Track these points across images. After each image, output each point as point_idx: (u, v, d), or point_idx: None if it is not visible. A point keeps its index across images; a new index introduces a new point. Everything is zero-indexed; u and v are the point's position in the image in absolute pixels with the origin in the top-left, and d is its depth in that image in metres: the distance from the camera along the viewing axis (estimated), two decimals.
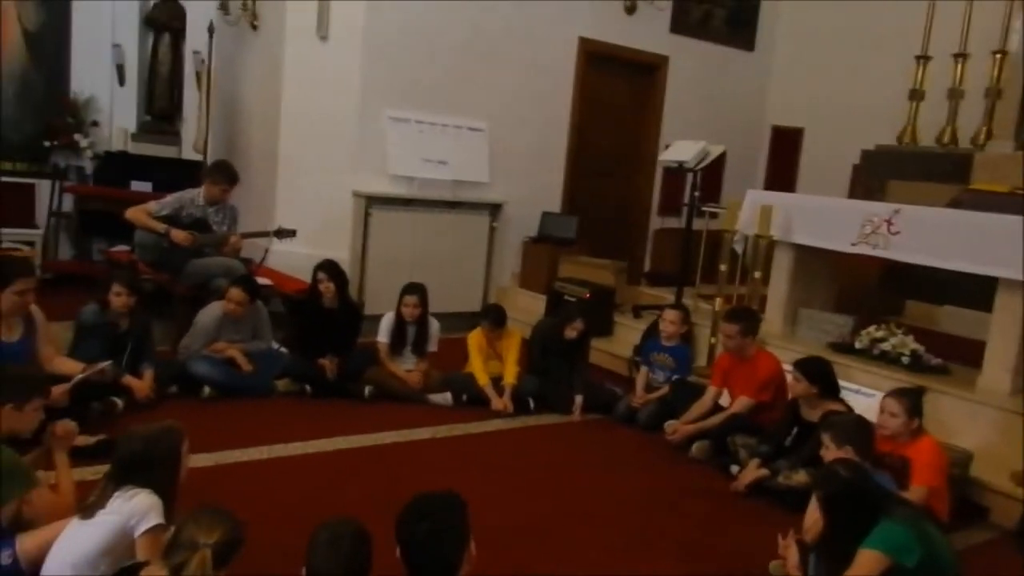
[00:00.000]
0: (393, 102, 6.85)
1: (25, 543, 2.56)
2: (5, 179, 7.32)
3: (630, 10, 8.13)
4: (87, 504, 2.45)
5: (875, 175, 7.35)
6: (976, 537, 3.85)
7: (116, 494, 2.41)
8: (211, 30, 7.09)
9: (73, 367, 3.97)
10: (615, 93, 8.33)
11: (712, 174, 8.34)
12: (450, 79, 7.10)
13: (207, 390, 4.74)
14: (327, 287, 5.14)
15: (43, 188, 7.47)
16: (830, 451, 3.27)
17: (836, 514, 2.71)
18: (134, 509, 2.38)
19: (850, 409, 4.04)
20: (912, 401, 3.67)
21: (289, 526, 2.06)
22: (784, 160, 9.13)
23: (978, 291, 4.95)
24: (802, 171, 9.02)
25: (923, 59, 7.20)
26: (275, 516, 3.24)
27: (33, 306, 3.98)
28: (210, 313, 4.93)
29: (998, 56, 6.80)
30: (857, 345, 5.20)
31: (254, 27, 7.10)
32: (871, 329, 5.21)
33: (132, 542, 2.35)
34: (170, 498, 2.46)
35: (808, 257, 5.75)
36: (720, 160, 8.51)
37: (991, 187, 5.60)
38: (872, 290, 6.46)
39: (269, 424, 4.43)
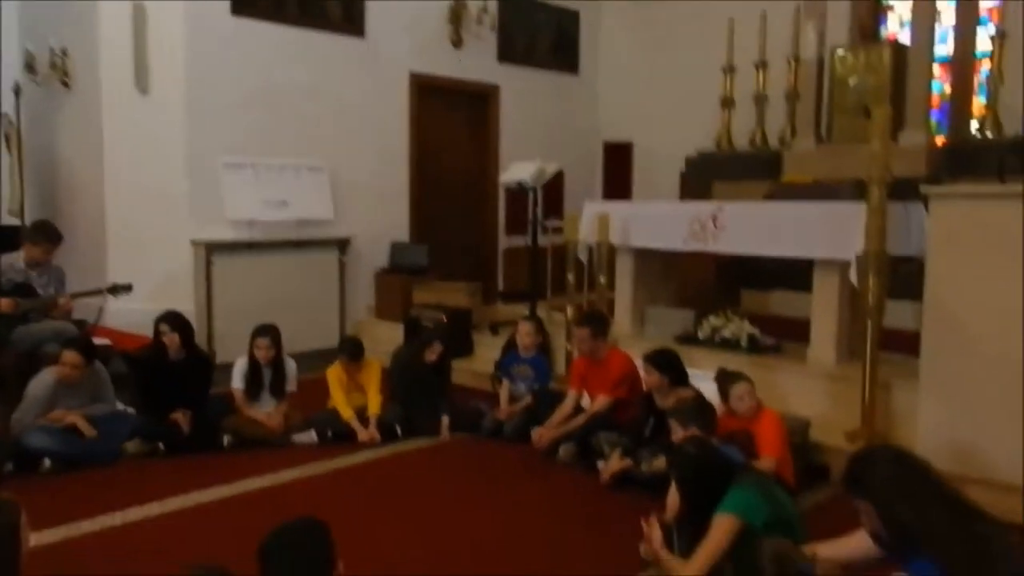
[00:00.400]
0: (226, 147, 6.72)
1: None
2: None
3: (456, 43, 8.35)
4: None
5: (700, 178, 7.90)
6: (821, 496, 4.15)
7: None
8: (17, 91, 6.70)
9: None
10: (451, 123, 8.52)
11: (553, 191, 8.67)
12: (283, 120, 7.06)
13: (47, 463, 4.40)
14: (171, 339, 4.92)
15: None
16: (678, 434, 3.47)
17: (690, 488, 2.89)
18: None
19: (699, 394, 4.27)
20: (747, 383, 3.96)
21: None
22: (618, 172, 9.60)
23: (802, 274, 5.39)
24: (636, 181, 9.52)
25: (728, 70, 7.82)
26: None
27: None
28: (43, 381, 4.60)
29: (793, 63, 7.49)
30: (700, 335, 5.53)
31: (66, 85, 6.78)
32: (711, 319, 5.56)
33: None
34: None
35: (648, 259, 6.07)
36: (559, 177, 8.86)
37: (798, 179, 6.12)
38: (710, 284, 6.89)
39: (120, 489, 4.17)
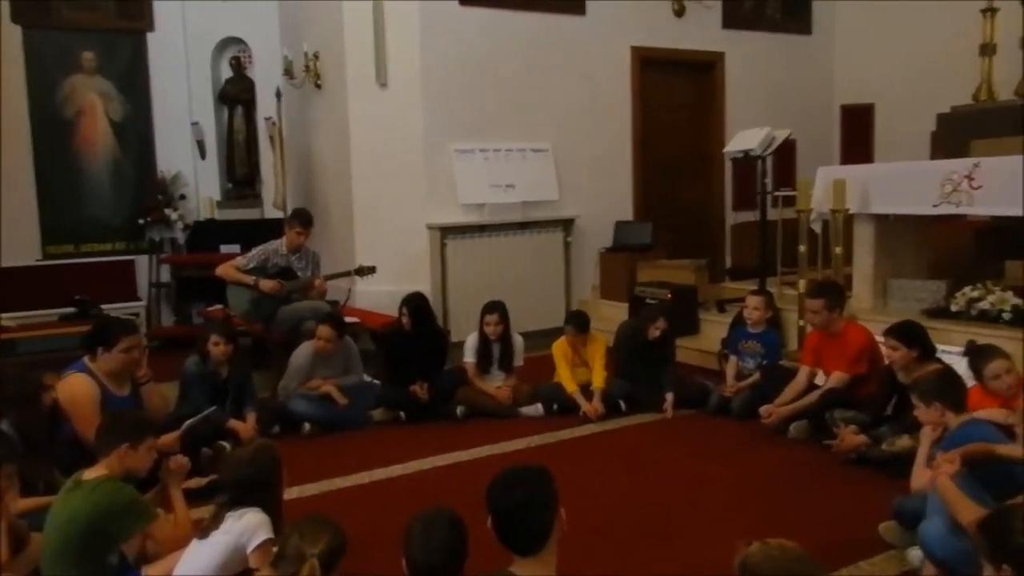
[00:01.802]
0: (456, 135, 7.04)
1: (149, 572, 2.74)
2: (107, 259, 7.87)
3: (679, 12, 8.14)
4: (203, 527, 2.60)
5: (955, 137, 7.08)
6: None
7: (227, 515, 2.56)
8: (279, 95, 7.46)
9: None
10: (675, 95, 8.33)
11: (784, 162, 8.21)
12: (509, 105, 7.25)
13: (307, 427, 4.94)
14: (408, 320, 5.29)
15: (141, 263, 7.99)
16: (921, 411, 3.16)
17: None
18: (244, 527, 2.52)
19: (948, 368, 3.87)
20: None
21: (396, 537, 2.16)
22: (858, 138, 8.90)
23: None
24: (878, 146, 8.77)
25: (989, 11, 6.95)
26: (381, 531, 3.34)
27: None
28: (303, 353, 5.14)
29: None
30: (953, 308, 5.01)
31: (318, 86, 7.43)
32: (966, 290, 5.02)
33: (245, 557, 2.49)
34: (276, 513, 2.60)
35: (892, 227, 5.58)
36: (791, 147, 8.39)
37: None
38: (967, 253, 6.21)
39: (368, 452, 4.58)
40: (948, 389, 3.12)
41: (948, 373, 3.28)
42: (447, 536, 2.06)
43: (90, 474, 2.80)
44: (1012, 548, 1.72)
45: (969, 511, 2.47)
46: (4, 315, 7.09)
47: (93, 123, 7.91)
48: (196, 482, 3.68)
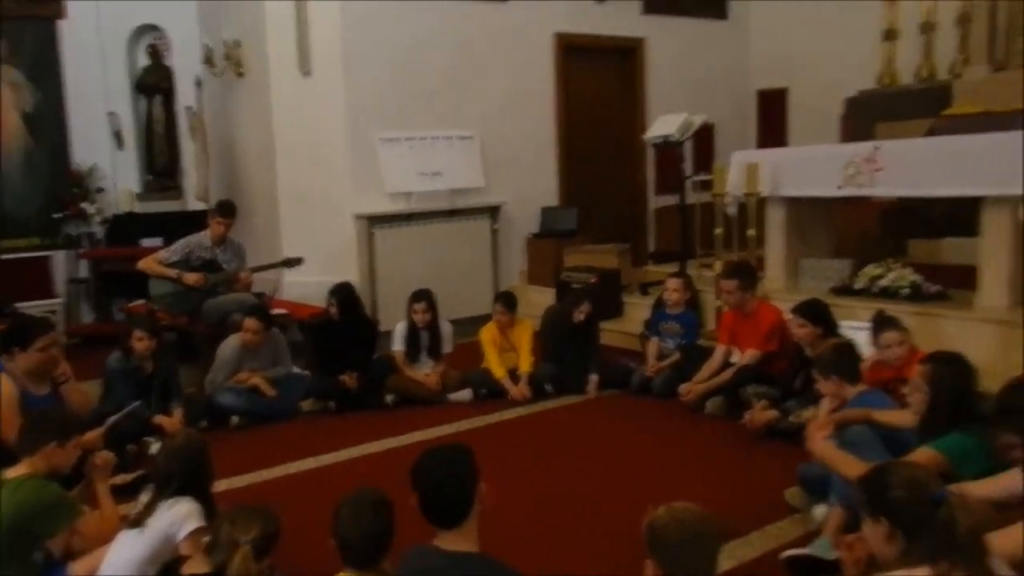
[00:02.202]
0: (381, 123, 7.04)
1: (76, 569, 2.75)
2: (21, 255, 7.61)
3: None
4: (134, 518, 2.62)
5: (862, 121, 7.42)
6: None
7: (159, 505, 2.59)
8: (199, 84, 7.34)
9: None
10: (597, 81, 8.47)
11: (703, 146, 8.48)
12: (433, 93, 7.28)
13: (235, 419, 4.93)
14: (335, 309, 5.32)
15: (58, 258, 7.74)
16: (820, 383, 3.38)
17: (938, 396, 2.84)
18: (175, 516, 2.56)
19: (847, 343, 4.10)
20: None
21: (327, 523, 2.23)
22: (773, 121, 9.20)
23: (976, 219, 5.01)
24: (791, 130, 9.08)
25: None
26: (313, 518, 3.39)
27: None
28: (230, 345, 5.13)
29: None
30: (856, 286, 5.29)
31: (240, 75, 7.32)
32: (869, 268, 5.30)
33: (175, 547, 2.52)
34: (207, 502, 2.64)
35: (802, 209, 5.84)
36: (709, 131, 8.65)
37: (964, 110, 5.66)
38: (873, 233, 6.53)
39: (298, 442, 4.61)
40: (844, 363, 3.34)
41: (844, 347, 3.50)
42: (374, 515, 2.14)
43: (13, 472, 2.79)
44: (888, 501, 1.89)
45: (851, 467, 2.66)
46: None
47: (3, 115, 7.62)
48: (122, 478, 3.69)
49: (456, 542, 2.02)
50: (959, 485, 2.47)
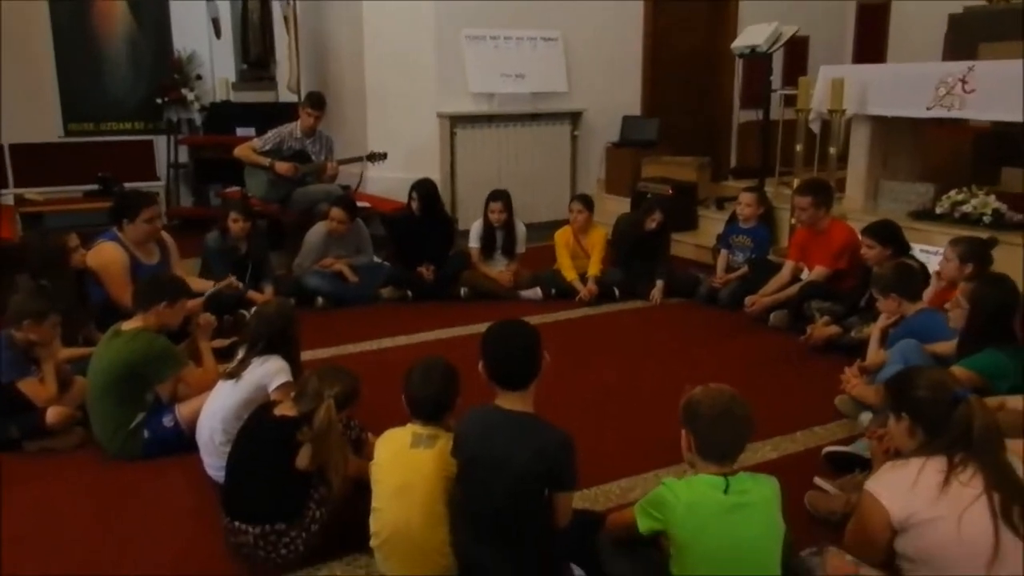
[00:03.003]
0: (468, 20, 7.08)
1: (182, 410, 3.14)
2: (126, 138, 8.07)
3: None
4: (231, 370, 2.96)
5: (965, 40, 7.07)
6: None
7: (252, 361, 2.92)
8: None
9: (204, 285, 4.54)
10: None
11: (796, 60, 8.24)
12: None
13: (320, 301, 5.29)
14: (418, 204, 5.56)
15: (160, 143, 8.17)
16: (880, 301, 3.45)
17: (978, 313, 2.94)
18: (267, 370, 2.89)
19: (922, 266, 4.13)
20: (967, 248, 3.74)
21: (399, 390, 2.51)
22: (872, 37, 8.85)
23: None
24: (892, 46, 8.72)
25: None
26: (387, 386, 3.70)
27: (165, 234, 4.55)
28: (316, 233, 5.44)
29: None
30: (938, 210, 5.23)
31: None
32: (951, 193, 5.22)
33: (267, 396, 2.85)
34: (294, 362, 2.95)
35: (888, 129, 5.72)
36: (803, 44, 8.40)
37: None
38: (965, 159, 6.34)
39: (377, 324, 4.93)
40: (904, 282, 3.40)
41: (905, 267, 3.55)
42: (440, 376, 2.39)
43: (128, 325, 3.15)
44: (911, 400, 2.02)
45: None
46: (30, 190, 7.39)
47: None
48: (219, 343, 4.05)
49: (515, 403, 2.25)
50: (999, 398, 2.58)
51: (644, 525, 2.02)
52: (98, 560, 2.59)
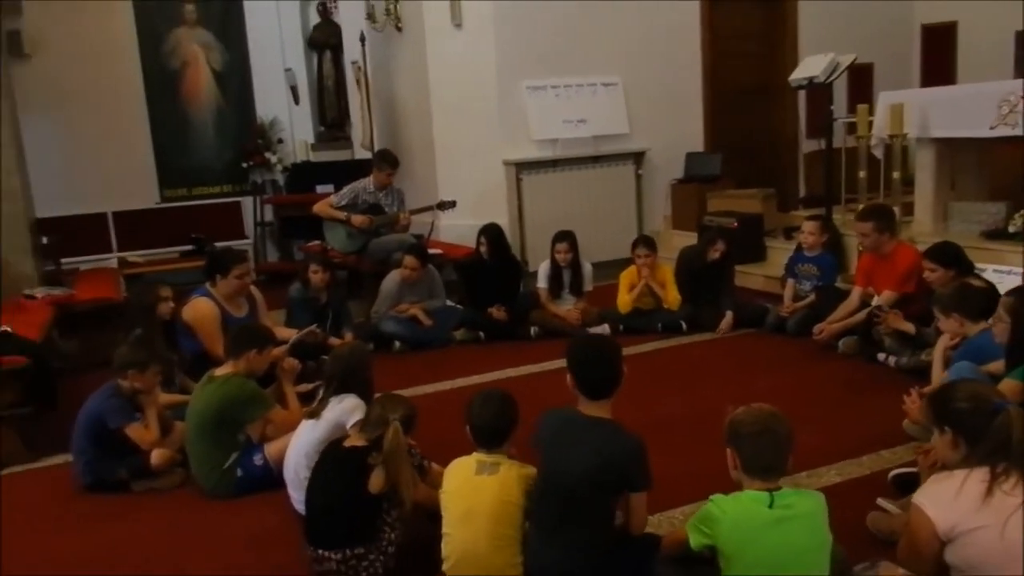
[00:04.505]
0: (528, 72, 7.37)
1: (270, 449, 3.39)
2: (216, 201, 8.63)
3: None
4: (311, 410, 3.20)
5: None
6: None
7: (330, 401, 3.14)
8: (363, 39, 7.92)
9: (289, 333, 4.83)
10: (745, 22, 8.36)
11: (861, 87, 8.22)
12: (578, 40, 7.50)
13: (397, 345, 5.54)
14: (486, 248, 5.78)
15: (247, 204, 8.69)
16: (942, 321, 3.46)
17: (1019, 326, 2.97)
18: (344, 408, 3.11)
19: (989, 285, 4.09)
20: None
21: None
22: (939, 59, 8.75)
23: None
24: (961, 67, 8.60)
25: None
26: (461, 420, 3.89)
27: (253, 288, 4.88)
28: (392, 280, 5.72)
29: None
30: (1010, 229, 5.15)
31: (399, 29, 7.84)
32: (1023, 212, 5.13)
33: (345, 434, 3.05)
34: (368, 399, 3.16)
35: (954, 151, 5.68)
36: (867, 71, 8.39)
37: None
38: None
39: (451, 365, 5.15)
40: (965, 301, 3.40)
41: (965, 287, 3.56)
42: (499, 406, 2.57)
43: (220, 372, 3.44)
44: (952, 413, 2.08)
45: None
46: (131, 253, 7.96)
47: (197, 73, 8.56)
48: (304, 387, 4.30)
49: (595, 410, 2.46)
50: None
51: (695, 540, 2.12)
52: None
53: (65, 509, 3.48)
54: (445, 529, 2.53)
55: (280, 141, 8.74)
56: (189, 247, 8.00)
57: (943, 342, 3.50)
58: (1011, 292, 3.12)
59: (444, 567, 2.53)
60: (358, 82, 8.23)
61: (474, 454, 2.58)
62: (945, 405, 2.11)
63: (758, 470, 2.08)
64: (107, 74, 8.04)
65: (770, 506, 2.02)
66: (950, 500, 1.96)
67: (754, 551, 2.00)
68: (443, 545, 2.53)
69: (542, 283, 5.85)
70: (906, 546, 2.12)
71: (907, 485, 3.02)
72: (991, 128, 5.05)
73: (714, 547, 2.08)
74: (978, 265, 4.69)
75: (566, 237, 5.77)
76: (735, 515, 2.04)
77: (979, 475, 1.95)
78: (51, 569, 3.02)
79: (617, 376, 2.50)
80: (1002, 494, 1.90)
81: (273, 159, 8.61)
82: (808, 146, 8.68)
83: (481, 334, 5.70)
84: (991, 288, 3.94)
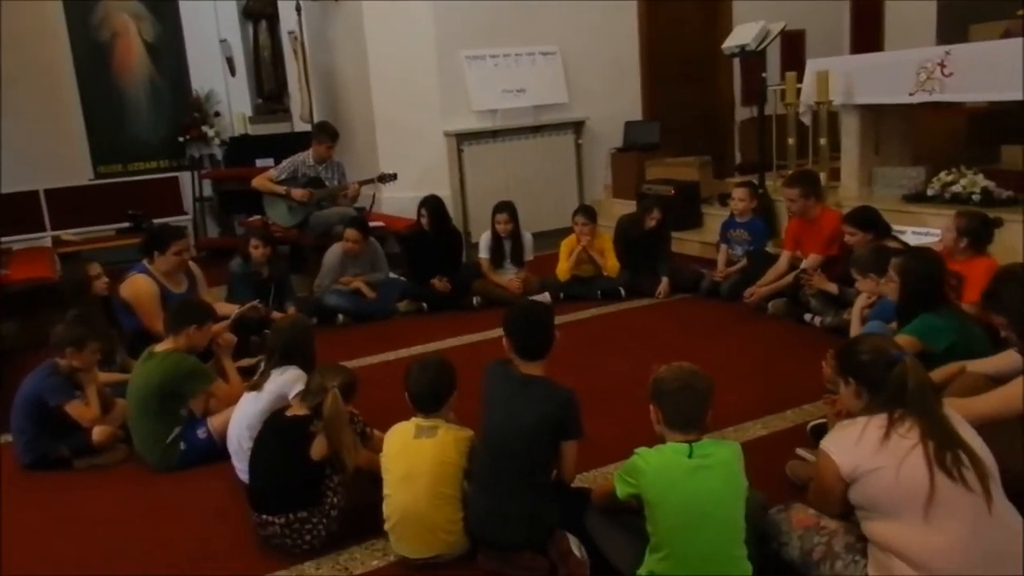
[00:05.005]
0: (467, 42, 7.37)
1: (213, 422, 3.44)
2: (153, 176, 8.47)
3: None
4: (253, 383, 3.25)
5: (956, 23, 7.25)
6: None
7: (272, 373, 3.19)
8: (298, 9, 7.81)
9: (230, 309, 4.82)
10: None
11: (794, 55, 8.39)
12: (516, 10, 7.50)
13: (341, 318, 5.58)
14: (427, 219, 5.83)
15: (184, 179, 8.54)
16: (859, 281, 3.65)
17: (907, 285, 3.18)
18: (285, 380, 3.16)
19: (905, 246, 4.30)
20: (968, 222, 3.91)
21: None
22: (868, 28, 8.98)
23: None
24: (888, 35, 8.85)
25: None
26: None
27: (192, 264, 4.86)
28: (333, 253, 5.73)
29: None
30: (929, 192, 5.38)
31: None
32: (941, 175, 5.37)
33: (287, 405, 3.11)
34: (310, 371, 3.21)
35: (879, 117, 5.88)
36: (800, 39, 8.58)
37: None
38: (960, 140, 6.47)
39: (394, 336, 5.21)
40: (879, 263, 3.58)
41: (880, 249, 3.75)
42: (436, 372, 2.66)
43: (160, 348, 3.45)
44: (855, 364, 2.24)
45: None
46: (66, 231, 7.80)
47: (128, 45, 8.34)
48: (247, 362, 4.34)
49: (531, 370, 2.62)
50: (959, 363, 2.78)
51: (621, 490, 2.25)
52: (145, 557, 2.88)
53: (9, 488, 3.48)
54: (386, 491, 2.62)
55: (217, 114, 8.60)
56: (126, 224, 7.86)
57: (860, 302, 3.70)
58: (901, 252, 3.33)
59: (386, 526, 2.63)
60: (295, 53, 8.12)
61: (413, 419, 2.67)
62: (850, 358, 2.26)
63: (679, 424, 2.21)
64: (33, 47, 7.80)
65: (689, 456, 2.15)
66: (852, 444, 2.11)
67: (675, 497, 2.13)
68: (384, 506, 2.62)
69: (483, 254, 5.93)
70: (815, 488, 2.28)
71: (823, 435, 3.20)
72: (910, 95, 5.25)
73: (639, 496, 2.20)
74: (899, 227, 4.93)
75: (506, 208, 5.85)
76: (657, 465, 2.17)
77: (878, 421, 2.11)
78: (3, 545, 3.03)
79: (550, 339, 2.65)
80: (898, 437, 2.06)
81: (210, 133, 8.48)
82: (743, 113, 8.86)
83: (424, 305, 5.77)
84: (906, 249, 4.16)
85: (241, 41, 8.77)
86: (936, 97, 5.12)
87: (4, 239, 7.08)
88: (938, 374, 2.74)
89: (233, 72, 8.73)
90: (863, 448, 2.09)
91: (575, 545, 2.46)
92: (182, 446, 3.42)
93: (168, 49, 8.46)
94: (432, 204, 5.89)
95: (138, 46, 8.40)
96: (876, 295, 3.65)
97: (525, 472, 2.50)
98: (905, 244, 4.38)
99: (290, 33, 8.31)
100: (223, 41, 8.64)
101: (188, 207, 8.52)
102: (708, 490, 2.13)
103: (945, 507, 1.98)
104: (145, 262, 4.62)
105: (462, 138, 7.32)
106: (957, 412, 2.15)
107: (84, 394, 3.56)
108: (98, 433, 3.49)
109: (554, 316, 2.77)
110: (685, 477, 2.14)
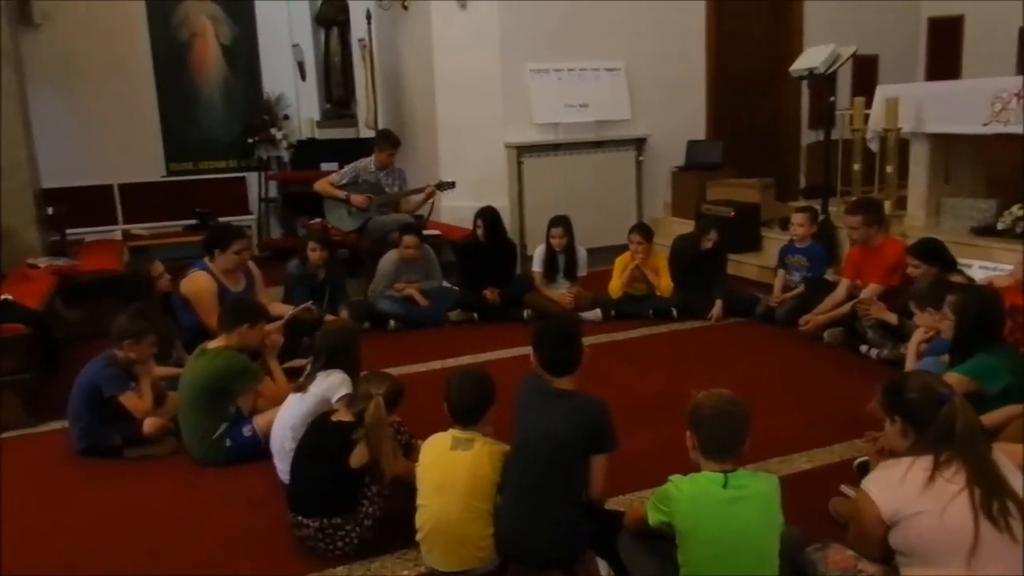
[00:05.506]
0: (532, 55, 7.40)
1: (259, 421, 3.51)
2: (221, 176, 8.71)
3: None
4: (299, 384, 3.31)
5: None
6: None
7: (318, 376, 3.25)
8: (369, 17, 7.97)
9: (285, 309, 4.93)
10: (750, 9, 8.34)
11: (865, 79, 8.20)
12: (582, 24, 7.51)
13: (393, 323, 5.65)
14: (483, 231, 5.87)
15: (251, 179, 8.78)
16: (917, 315, 3.54)
17: (963, 322, 3.07)
18: (330, 383, 3.21)
19: (970, 281, 4.17)
20: None
21: None
22: (945, 52, 8.72)
23: None
24: (966, 60, 8.58)
25: None
26: None
27: (251, 263, 4.98)
28: (389, 260, 5.81)
29: None
30: (999, 226, 5.19)
31: (405, 7, 7.88)
32: (1014, 209, 5.18)
33: (330, 407, 3.16)
34: (355, 376, 3.26)
35: (949, 146, 5.71)
36: (872, 63, 8.39)
37: None
38: None
39: (444, 345, 5.25)
40: (939, 296, 3.46)
41: (941, 283, 3.63)
42: (475, 384, 2.67)
43: (212, 345, 3.55)
44: (902, 403, 2.16)
45: None
46: (136, 226, 8.08)
47: (205, 46, 8.63)
48: (299, 363, 4.40)
49: (565, 384, 2.63)
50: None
51: (653, 518, 2.22)
52: (182, 546, 2.96)
53: (62, 472, 3.61)
54: (420, 500, 2.64)
55: (286, 117, 8.81)
56: (193, 221, 8.10)
57: (917, 336, 3.59)
58: (958, 290, 3.22)
59: (418, 536, 2.65)
60: (364, 60, 8.28)
61: (450, 430, 2.68)
62: (897, 395, 2.20)
63: (714, 451, 2.17)
64: (116, 45, 8.13)
65: (724, 486, 2.11)
66: (895, 486, 2.05)
67: (708, 528, 2.10)
68: (417, 516, 2.64)
69: (537, 267, 5.93)
70: (854, 529, 2.21)
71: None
72: (984, 125, 5.08)
73: (671, 524, 2.17)
74: (965, 261, 4.76)
75: (561, 222, 5.84)
76: (691, 494, 2.14)
77: (923, 463, 2.04)
78: (49, 528, 3.14)
79: (578, 355, 2.66)
80: (943, 481, 1.99)
81: (279, 135, 8.70)
82: (810, 137, 8.69)
83: (475, 315, 5.80)
84: (969, 284, 4.02)
85: (312, 47, 9.00)
86: (1011, 129, 4.95)
87: (78, 230, 7.37)
88: (992, 417, 2.64)
89: (303, 77, 8.94)
90: (906, 490, 2.02)
91: (603, 568, 2.44)
92: (228, 442, 3.50)
93: (242, 52, 8.71)
94: (488, 216, 5.93)
95: (214, 48, 8.66)
96: (934, 330, 3.53)
97: (556, 485, 2.49)
98: (970, 279, 4.23)
99: (360, 40, 8.48)
100: (295, 46, 8.87)
101: (253, 207, 8.74)
102: (742, 522, 2.09)
103: (989, 557, 1.90)
104: (206, 259, 4.75)
105: (523, 150, 7.34)
106: (1007, 458, 2.07)
107: (139, 386, 3.67)
108: (149, 425, 3.60)
109: (580, 332, 2.75)
110: (719, 508, 2.10)
